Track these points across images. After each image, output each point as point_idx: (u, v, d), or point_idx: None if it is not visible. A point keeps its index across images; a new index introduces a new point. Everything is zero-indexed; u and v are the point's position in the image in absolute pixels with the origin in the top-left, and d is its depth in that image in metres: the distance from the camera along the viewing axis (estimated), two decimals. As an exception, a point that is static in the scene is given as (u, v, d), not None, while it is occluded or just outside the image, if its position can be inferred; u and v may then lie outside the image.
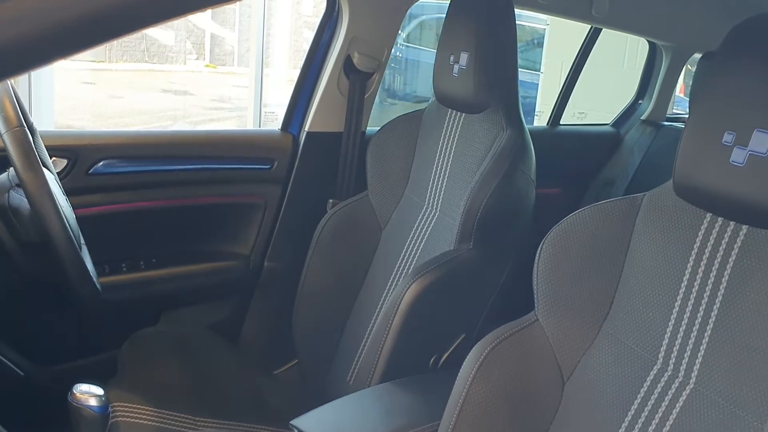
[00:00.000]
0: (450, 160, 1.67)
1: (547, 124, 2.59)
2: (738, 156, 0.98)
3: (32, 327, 1.69)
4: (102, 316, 1.73)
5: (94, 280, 1.31)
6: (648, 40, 2.66)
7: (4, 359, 1.60)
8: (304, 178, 1.90)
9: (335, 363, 1.75)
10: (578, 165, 2.65)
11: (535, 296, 1.17)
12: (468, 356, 1.13)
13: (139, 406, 1.47)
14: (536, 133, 1.64)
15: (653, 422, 1.02)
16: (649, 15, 2.40)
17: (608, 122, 2.79)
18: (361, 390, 1.36)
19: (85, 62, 7.88)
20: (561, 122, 2.60)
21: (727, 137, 0.99)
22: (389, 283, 1.70)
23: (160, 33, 8.67)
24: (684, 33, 2.57)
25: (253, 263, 1.91)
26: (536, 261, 1.16)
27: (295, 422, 1.26)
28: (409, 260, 1.69)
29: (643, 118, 2.71)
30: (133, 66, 8.60)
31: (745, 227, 1.00)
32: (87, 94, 7.79)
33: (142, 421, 1.44)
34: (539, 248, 1.16)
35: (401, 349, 1.44)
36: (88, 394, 1.26)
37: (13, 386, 1.61)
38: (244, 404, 1.64)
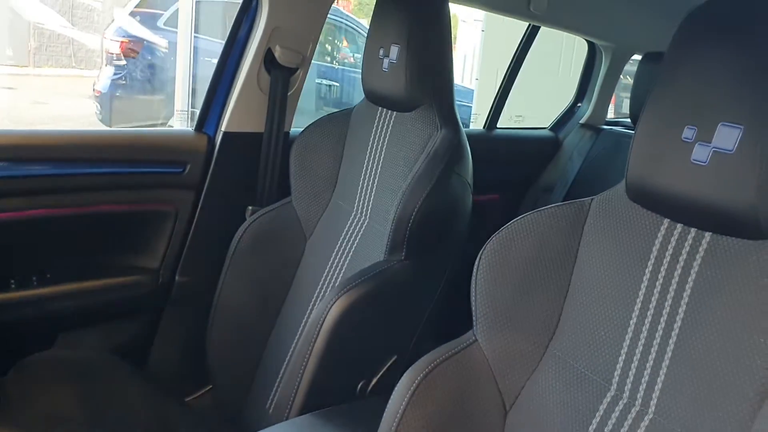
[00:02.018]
0: (380, 162, 1.53)
1: (484, 127, 2.48)
2: (700, 154, 0.86)
3: None
4: (-15, 340, 1.52)
5: None
6: (587, 41, 2.58)
7: None
8: (220, 183, 1.72)
9: (253, 389, 1.58)
10: (516, 170, 2.55)
11: (474, 313, 1.04)
12: (399, 384, 0.99)
13: (24, 448, 1.27)
14: (473, 137, 1.52)
15: (608, 459, 0.89)
16: (589, 14, 2.32)
17: (546, 126, 2.71)
18: (278, 424, 1.20)
19: (6, 66, 7.50)
20: (498, 126, 2.50)
21: (687, 133, 0.87)
22: (314, 299, 1.54)
23: (88, 38, 8.32)
24: (624, 33, 2.51)
25: (162, 278, 1.72)
26: (474, 273, 1.04)
27: None
28: (336, 273, 1.54)
29: (582, 121, 2.63)
30: (60, 71, 8.23)
31: (708, 234, 0.88)
32: (7, 99, 7.38)
33: (26, 465, 1.24)
34: (477, 259, 1.04)
35: (325, 374, 1.28)
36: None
37: None
38: (150, 438, 1.46)
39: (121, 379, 1.57)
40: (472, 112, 5.13)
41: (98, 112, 5.43)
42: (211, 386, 1.74)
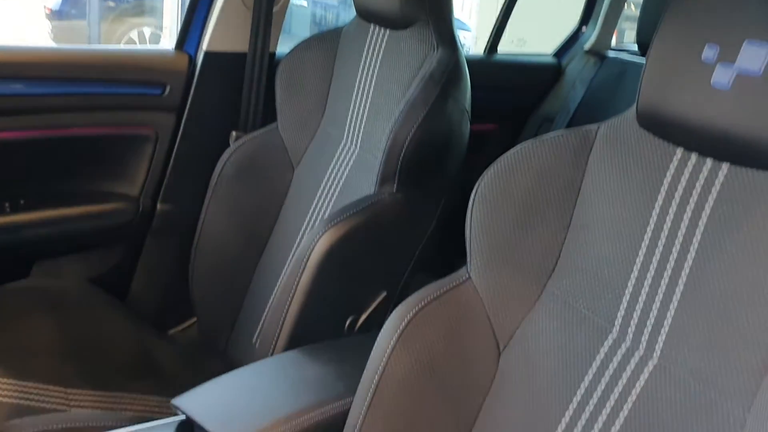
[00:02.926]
0: (372, 85, 1.43)
1: (484, 51, 2.37)
2: (722, 76, 0.78)
3: None
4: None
5: None
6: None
7: None
8: (201, 106, 1.63)
9: (239, 323, 1.53)
10: (516, 98, 2.45)
11: (468, 249, 0.97)
12: (387, 321, 0.94)
13: (-6, 380, 1.23)
14: (471, 62, 1.42)
15: (607, 405, 0.84)
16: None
17: (549, 52, 2.59)
18: (262, 360, 1.14)
19: None
20: (498, 50, 2.38)
21: (708, 53, 0.79)
22: (301, 232, 1.47)
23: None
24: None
25: (143, 206, 1.64)
26: (470, 206, 0.97)
27: (176, 402, 1.04)
28: (325, 205, 1.46)
29: (586, 48, 2.50)
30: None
31: (725, 165, 0.81)
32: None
33: (-3, 398, 1.20)
34: (474, 191, 0.96)
35: (312, 309, 1.23)
36: None
37: None
38: (131, 371, 1.41)
39: (100, 309, 1.52)
40: (474, 35, 4.96)
41: (50, 33, 5.02)
42: (195, 319, 1.69)
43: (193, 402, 1.04)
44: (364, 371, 0.94)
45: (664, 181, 0.85)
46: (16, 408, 1.20)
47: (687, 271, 0.81)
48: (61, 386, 1.29)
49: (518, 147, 0.95)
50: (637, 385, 0.82)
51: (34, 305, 1.46)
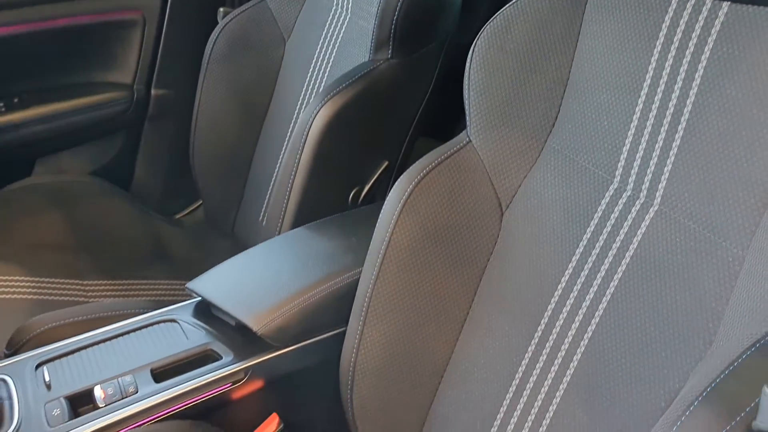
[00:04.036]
0: (358, -53, 1.37)
1: None
2: None
3: None
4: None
5: None
6: None
7: None
8: None
9: (244, 203, 1.54)
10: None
11: (467, 111, 0.96)
12: (391, 191, 0.95)
13: (12, 278, 1.25)
14: None
15: (610, 251, 0.85)
16: None
17: None
18: (270, 239, 1.16)
19: None
20: None
21: None
22: (297, 107, 1.45)
23: None
24: None
25: (137, 93, 1.62)
26: (467, 67, 0.95)
27: (191, 285, 1.07)
28: (319, 78, 1.43)
29: None
30: None
31: (725, 4, 0.78)
32: None
33: (17, 296, 1.23)
34: (470, 51, 0.94)
35: (315, 185, 1.23)
36: None
37: None
38: (144, 259, 1.44)
39: (106, 201, 1.53)
40: None
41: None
42: (201, 202, 1.70)
43: (208, 284, 1.06)
44: (371, 242, 0.95)
45: (663, 25, 0.82)
46: (37, 303, 1.24)
47: (687, 115, 0.80)
48: (78, 279, 1.32)
49: (514, 1, 0.92)
50: (639, 232, 0.83)
51: (41, 202, 1.47)
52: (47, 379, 0.93)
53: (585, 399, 0.82)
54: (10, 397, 0.89)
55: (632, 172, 0.85)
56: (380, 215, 0.95)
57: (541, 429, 0.85)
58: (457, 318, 0.97)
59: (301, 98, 1.45)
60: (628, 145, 0.85)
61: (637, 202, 0.84)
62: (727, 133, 0.77)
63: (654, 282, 0.79)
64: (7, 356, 1.02)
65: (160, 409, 0.91)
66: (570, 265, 0.87)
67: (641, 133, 0.84)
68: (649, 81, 0.84)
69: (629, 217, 0.84)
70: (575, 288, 0.86)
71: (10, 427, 0.85)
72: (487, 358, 0.93)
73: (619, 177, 0.86)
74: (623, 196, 0.86)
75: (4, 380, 0.92)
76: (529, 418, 0.87)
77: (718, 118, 0.78)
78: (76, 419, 0.88)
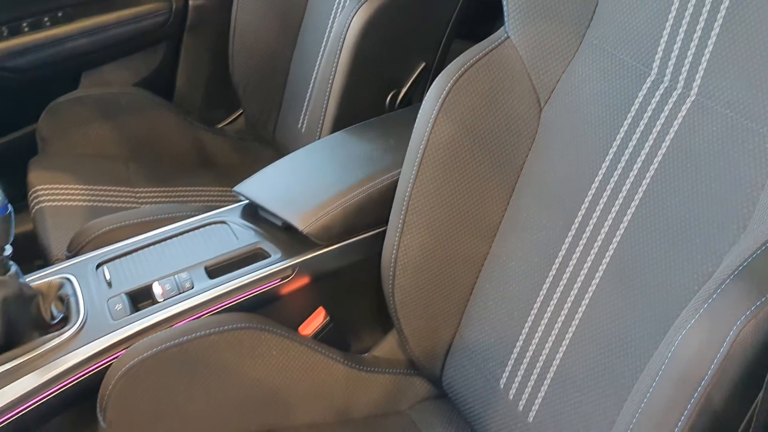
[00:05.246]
0: None
1: None
2: None
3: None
4: (10, 87, 1.50)
5: None
6: None
7: None
8: None
9: (284, 109, 1.56)
10: None
11: (504, 6, 0.96)
12: (430, 90, 0.96)
13: (66, 186, 1.31)
14: None
15: (647, 142, 0.86)
16: None
17: None
18: (311, 143, 1.18)
19: None
20: None
21: None
22: (334, 10, 1.45)
23: None
24: None
25: (176, 4, 1.63)
26: None
27: (238, 189, 1.11)
28: (353, -20, 1.42)
29: None
30: None
31: None
32: None
33: (71, 203, 1.28)
34: None
35: (353, 89, 1.24)
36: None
37: None
38: (189, 166, 1.48)
39: (151, 111, 1.57)
40: None
41: None
42: (241, 111, 1.73)
43: (254, 187, 1.10)
44: (410, 142, 0.97)
45: None
46: (93, 209, 1.30)
47: (726, 2, 0.79)
48: (128, 186, 1.37)
49: None
50: (675, 123, 0.83)
51: (89, 114, 1.51)
52: (108, 277, 0.99)
53: (620, 286, 0.84)
54: (75, 294, 0.95)
55: (669, 63, 0.85)
56: (419, 115, 0.96)
57: (577, 316, 0.88)
58: (495, 214, 0.99)
59: (337, 2, 1.45)
60: (666, 37, 0.85)
61: (674, 93, 0.84)
62: (766, 20, 0.76)
63: (690, 171, 0.80)
64: (68, 258, 1.08)
65: (215, 303, 0.96)
66: (607, 157, 0.88)
67: (679, 23, 0.84)
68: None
69: (666, 108, 0.85)
70: (612, 179, 0.88)
71: (77, 320, 0.91)
72: (524, 251, 0.96)
73: (656, 69, 0.86)
74: (660, 87, 0.86)
75: (68, 279, 0.98)
76: (566, 306, 0.90)
77: (758, 4, 0.77)
78: (138, 312, 0.94)
